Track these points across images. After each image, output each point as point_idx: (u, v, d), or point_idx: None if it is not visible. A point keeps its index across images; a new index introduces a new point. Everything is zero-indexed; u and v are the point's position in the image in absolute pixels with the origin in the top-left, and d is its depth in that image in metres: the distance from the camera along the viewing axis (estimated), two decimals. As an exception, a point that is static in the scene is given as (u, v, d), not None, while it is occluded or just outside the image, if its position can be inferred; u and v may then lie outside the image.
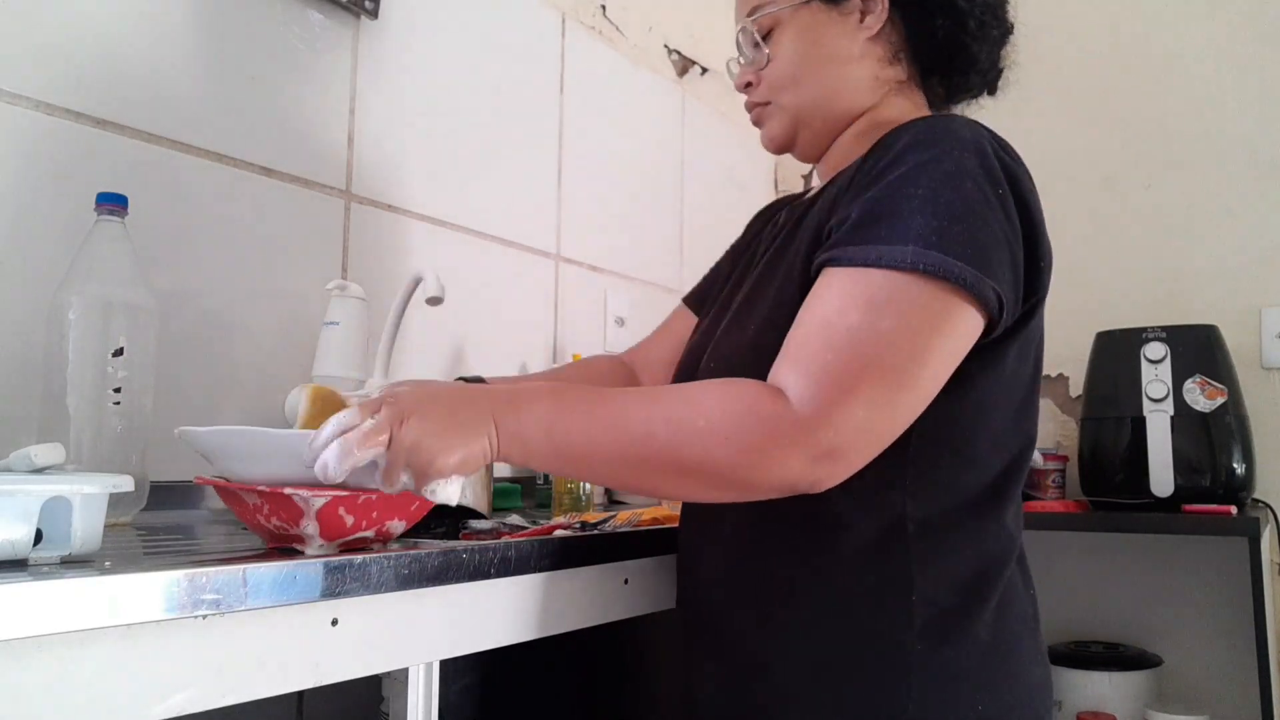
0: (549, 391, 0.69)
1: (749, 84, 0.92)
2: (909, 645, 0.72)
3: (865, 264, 0.67)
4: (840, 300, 0.67)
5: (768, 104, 0.91)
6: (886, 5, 0.85)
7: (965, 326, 0.68)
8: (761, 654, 0.78)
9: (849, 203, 0.73)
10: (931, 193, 0.68)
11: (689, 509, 0.90)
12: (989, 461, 0.77)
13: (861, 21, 0.85)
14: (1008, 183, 0.71)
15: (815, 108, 0.87)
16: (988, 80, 0.92)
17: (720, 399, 0.67)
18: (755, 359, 0.71)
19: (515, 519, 0.98)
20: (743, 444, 0.64)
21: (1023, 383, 0.79)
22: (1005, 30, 0.90)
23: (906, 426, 0.69)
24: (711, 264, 1.10)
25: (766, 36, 0.89)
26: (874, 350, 0.65)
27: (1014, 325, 0.74)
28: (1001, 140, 0.76)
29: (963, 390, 0.73)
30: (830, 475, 0.66)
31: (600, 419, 0.67)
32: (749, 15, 0.90)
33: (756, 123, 0.94)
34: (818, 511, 0.74)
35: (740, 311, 0.84)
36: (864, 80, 0.86)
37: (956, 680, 0.73)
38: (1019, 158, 0.76)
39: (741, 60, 0.93)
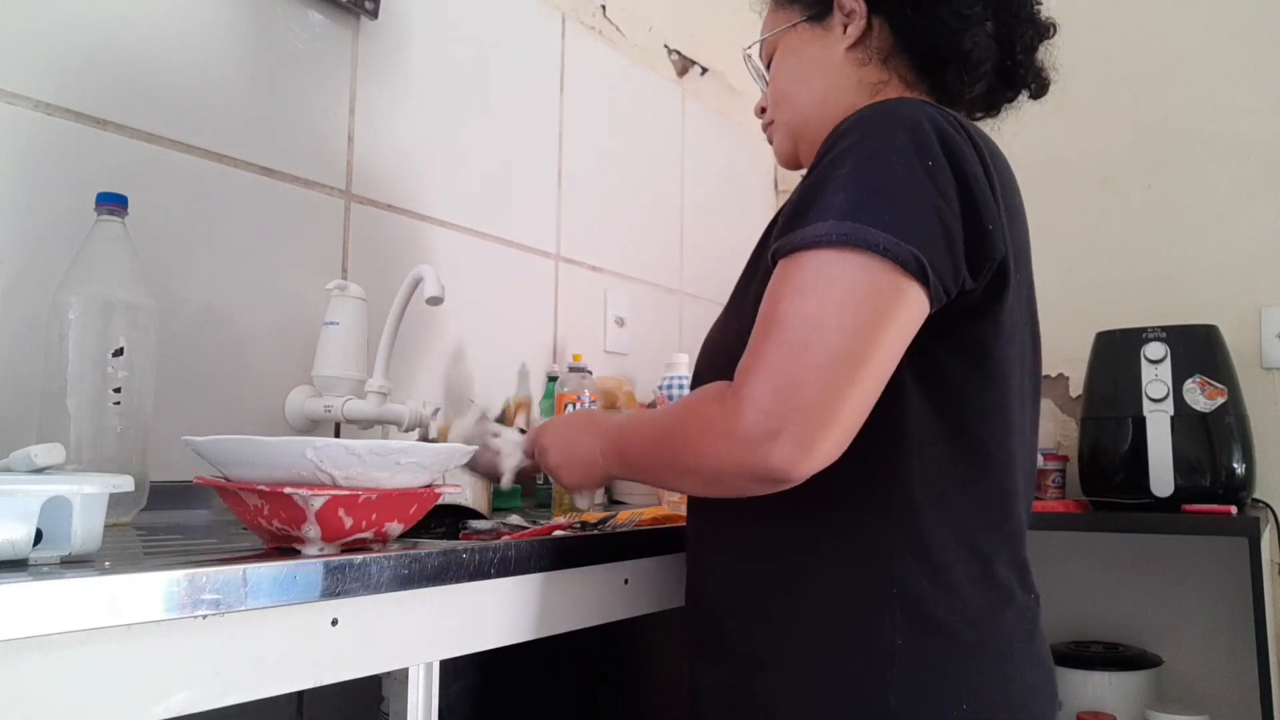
0: (622, 422, 0.85)
1: (763, 109, 0.98)
2: (892, 641, 0.73)
3: (793, 250, 0.70)
4: (777, 290, 0.70)
5: (773, 123, 0.96)
6: (865, 12, 0.89)
7: (893, 294, 0.67)
8: (761, 651, 0.79)
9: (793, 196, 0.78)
10: (853, 171, 0.71)
11: (693, 508, 0.90)
12: (978, 453, 0.77)
13: (844, 32, 0.90)
14: (945, 154, 0.72)
15: (807, 119, 0.91)
16: (1011, 79, 0.92)
17: (681, 404, 0.76)
18: (729, 358, 0.73)
19: (515, 519, 0.98)
20: (687, 438, 0.73)
21: (1010, 370, 0.78)
22: (1012, 23, 0.89)
23: (861, 399, 0.68)
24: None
25: (770, 64, 0.96)
26: (800, 331, 0.67)
27: (983, 303, 0.74)
28: (949, 116, 0.76)
29: (937, 377, 0.74)
30: (783, 458, 0.66)
31: (639, 439, 0.82)
32: (750, 46, 0.98)
33: (770, 142, 0.99)
34: (810, 507, 0.76)
35: (725, 312, 0.89)
36: (848, 86, 0.89)
37: (939, 678, 0.73)
38: (968, 131, 0.76)
39: (760, 89, 1.00)
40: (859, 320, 0.67)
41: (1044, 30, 0.92)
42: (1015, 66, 0.91)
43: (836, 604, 0.76)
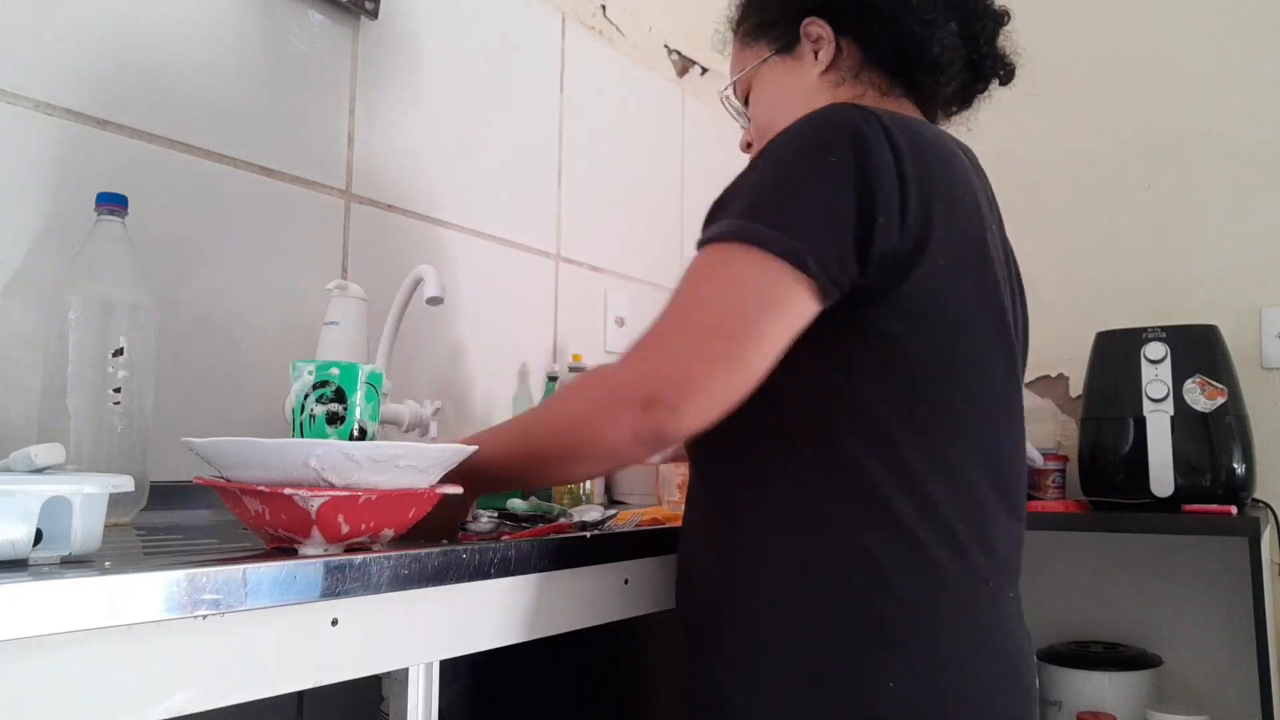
0: (484, 441, 0.80)
1: (749, 143, 1.02)
2: (824, 624, 0.76)
3: (700, 246, 0.77)
4: (681, 281, 0.77)
5: None
6: (832, 37, 0.92)
7: (776, 286, 0.72)
8: (721, 639, 0.82)
9: None
10: (760, 173, 0.77)
11: (686, 509, 0.91)
12: (884, 429, 0.77)
13: (816, 58, 0.93)
14: (853, 149, 0.74)
15: None
16: (980, 71, 0.94)
17: (570, 387, 0.79)
18: None
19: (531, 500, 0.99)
20: (579, 417, 0.76)
21: (936, 367, 0.78)
22: (971, 18, 0.91)
23: (732, 374, 0.72)
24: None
25: (747, 100, 1.00)
26: (688, 310, 0.74)
27: (879, 294, 0.75)
28: (873, 115, 0.77)
29: (833, 356, 0.77)
30: (663, 422, 0.71)
31: (514, 440, 0.81)
32: (726, 87, 1.02)
33: None
34: (755, 503, 0.80)
35: None
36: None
37: (865, 659, 0.75)
38: (886, 127, 0.76)
39: (741, 126, 1.04)
40: (737, 304, 0.73)
41: (1000, 18, 0.95)
42: (982, 59, 0.94)
43: (778, 594, 0.79)
